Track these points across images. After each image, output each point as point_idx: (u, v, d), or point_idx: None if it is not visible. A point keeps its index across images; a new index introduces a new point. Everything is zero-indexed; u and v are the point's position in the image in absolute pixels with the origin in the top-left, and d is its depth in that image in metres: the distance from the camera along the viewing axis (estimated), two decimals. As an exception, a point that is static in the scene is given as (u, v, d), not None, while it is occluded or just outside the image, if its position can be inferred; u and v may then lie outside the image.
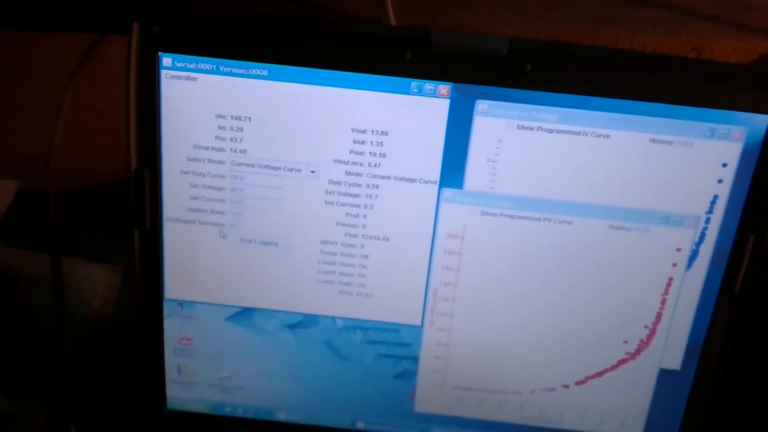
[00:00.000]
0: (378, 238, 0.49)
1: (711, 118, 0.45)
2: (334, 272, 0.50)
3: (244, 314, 0.51)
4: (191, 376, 0.53)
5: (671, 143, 0.45)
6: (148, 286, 0.51)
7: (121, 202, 0.48)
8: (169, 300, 0.51)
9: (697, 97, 0.45)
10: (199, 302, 0.51)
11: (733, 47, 0.46)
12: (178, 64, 0.45)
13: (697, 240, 0.48)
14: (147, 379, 0.53)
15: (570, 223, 0.48)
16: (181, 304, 0.51)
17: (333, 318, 0.51)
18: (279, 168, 0.47)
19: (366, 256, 0.49)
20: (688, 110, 0.45)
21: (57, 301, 0.53)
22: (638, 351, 0.51)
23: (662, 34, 0.46)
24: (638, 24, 0.46)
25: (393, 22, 0.46)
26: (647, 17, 0.47)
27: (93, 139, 0.59)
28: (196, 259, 0.50)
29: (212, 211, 0.49)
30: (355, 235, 0.49)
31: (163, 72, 0.46)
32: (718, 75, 0.45)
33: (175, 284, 0.51)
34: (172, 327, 0.52)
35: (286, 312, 0.51)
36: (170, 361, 0.53)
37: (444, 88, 0.45)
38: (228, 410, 0.54)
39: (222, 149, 0.47)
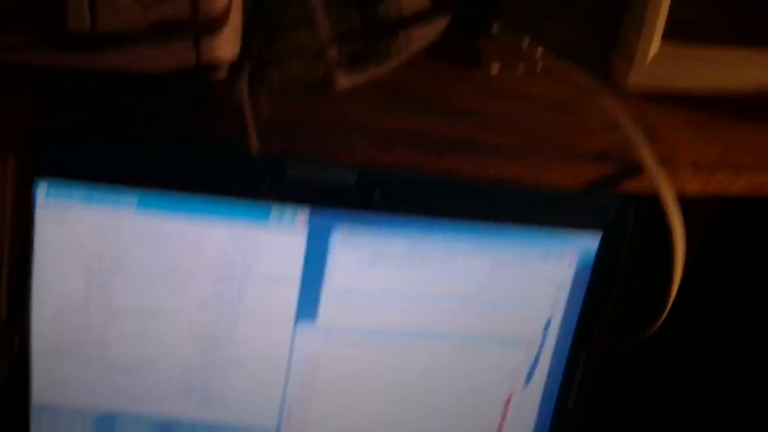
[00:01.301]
0: (236, 363, 0.51)
1: (546, 240, 0.49)
2: (194, 388, 0.52)
3: (105, 420, 0.52)
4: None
5: (510, 265, 0.49)
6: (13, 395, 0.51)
7: None
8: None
9: (533, 221, 0.48)
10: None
11: (569, 171, 0.49)
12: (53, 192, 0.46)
13: (533, 360, 0.51)
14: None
15: (417, 350, 0.51)
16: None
17: (192, 424, 0.52)
18: (143, 309, 0.49)
19: (225, 377, 0.51)
20: (525, 233, 0.48)
21: None
22: (481, 465, 0.54)
23: (504, 159, 0.49)
24: (481, 149, 0.49)
25: (254, 145, 0.48)
26: (490, 142, 0.50)
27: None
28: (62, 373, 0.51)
29: (79, 344, 0.49)
30: (213, 361, 0.51)
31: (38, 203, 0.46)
32: (552, 200, 0.49)
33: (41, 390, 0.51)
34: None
35: (148, 416, 0.52)
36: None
37: (301, 218, 0.47)
38: None
39: (89, 297, 0.48)
